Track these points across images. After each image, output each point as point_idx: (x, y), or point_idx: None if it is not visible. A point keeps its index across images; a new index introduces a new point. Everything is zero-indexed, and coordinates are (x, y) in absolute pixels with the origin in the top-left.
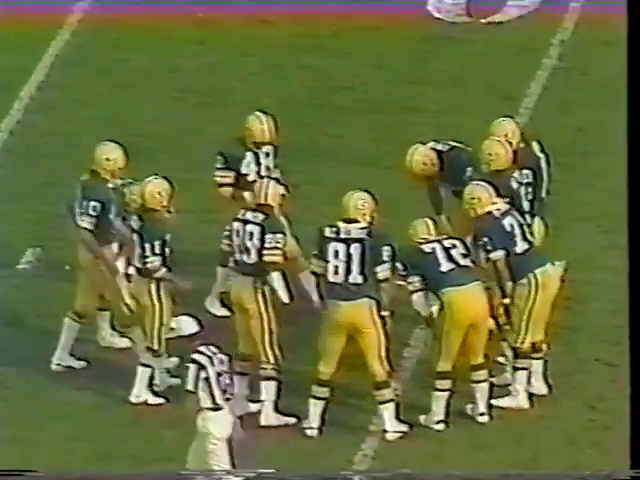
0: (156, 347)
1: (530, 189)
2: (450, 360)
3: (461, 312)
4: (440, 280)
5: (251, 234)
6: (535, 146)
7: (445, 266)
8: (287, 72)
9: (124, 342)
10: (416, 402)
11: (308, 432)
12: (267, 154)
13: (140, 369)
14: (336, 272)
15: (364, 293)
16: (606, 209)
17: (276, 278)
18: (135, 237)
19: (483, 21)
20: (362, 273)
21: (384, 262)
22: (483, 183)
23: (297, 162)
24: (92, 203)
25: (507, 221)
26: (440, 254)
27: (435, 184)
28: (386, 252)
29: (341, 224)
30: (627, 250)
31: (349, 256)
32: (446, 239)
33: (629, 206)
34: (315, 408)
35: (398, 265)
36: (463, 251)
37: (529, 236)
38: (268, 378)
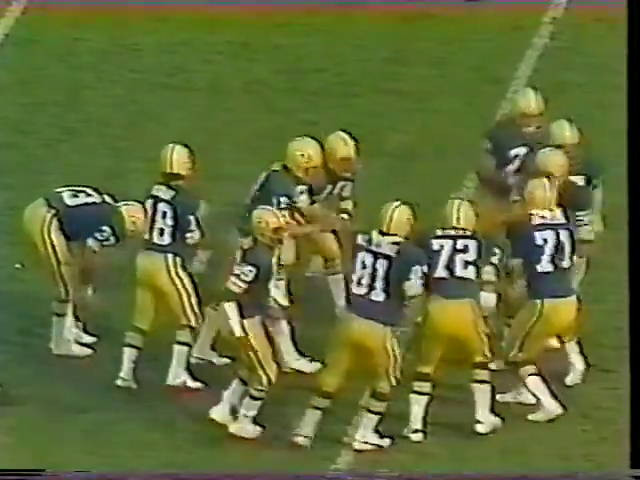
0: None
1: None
2: (431, 365)
3: (440, 326)
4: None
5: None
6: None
7: (439, 272)
8: (255, 52)
9: (82, 350)
10: (395, 411)
11: (299, 440)
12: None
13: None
14: (359, 283)
15: (382, 315)
16: (607, 202)
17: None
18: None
19: None
20: (385, 291)
21: (410, 279)
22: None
23: (265, 151)
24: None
25: (540, 234)
26: (444, 256)
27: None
28: (414, 272)
29: (374, 234)
30: (627, 246)
31: (374, 270)
32: (462, 237)
33: (629, 200)
34: (312, 417)
35: None
36: (470, 258)
37: (559, 261)
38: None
